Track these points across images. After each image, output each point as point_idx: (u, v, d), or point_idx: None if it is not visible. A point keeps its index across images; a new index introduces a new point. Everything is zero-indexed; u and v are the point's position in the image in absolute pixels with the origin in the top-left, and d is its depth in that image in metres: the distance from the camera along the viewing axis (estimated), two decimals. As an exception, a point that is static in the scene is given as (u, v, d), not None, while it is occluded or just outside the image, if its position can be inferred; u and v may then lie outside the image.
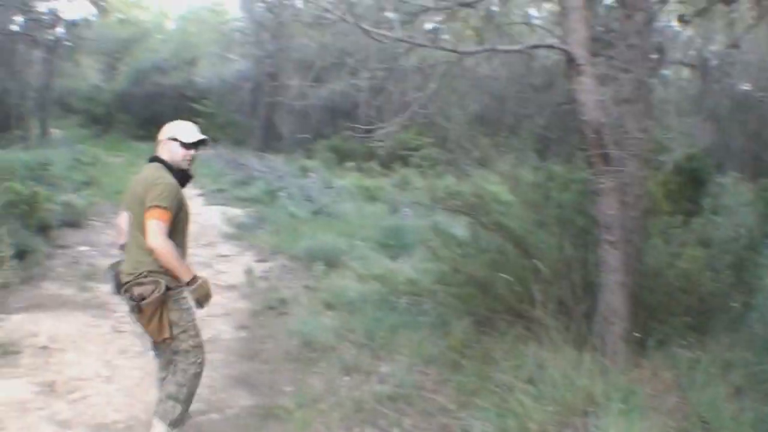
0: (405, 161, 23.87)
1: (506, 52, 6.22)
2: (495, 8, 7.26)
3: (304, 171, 20.73)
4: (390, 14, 7.75)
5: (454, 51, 6.29)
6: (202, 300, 4.60)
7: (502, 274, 6.60)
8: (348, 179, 20.12)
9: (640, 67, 5.99)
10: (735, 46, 6.46)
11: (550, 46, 5.90)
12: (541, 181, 7.39)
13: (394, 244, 11.60)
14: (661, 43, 7.05)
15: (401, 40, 6.04)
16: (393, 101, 31.31)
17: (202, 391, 5.16)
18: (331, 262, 10.14)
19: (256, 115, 33.33)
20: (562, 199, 7.03)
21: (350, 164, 24.55)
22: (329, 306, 8.23)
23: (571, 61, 5.60)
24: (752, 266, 6.67)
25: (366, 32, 5.92)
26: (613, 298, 5.84)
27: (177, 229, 4.61)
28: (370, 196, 17.50)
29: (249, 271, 9.83)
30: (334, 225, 13.27)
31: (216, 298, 5.49)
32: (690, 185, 7.87)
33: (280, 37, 30.36)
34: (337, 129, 29.76)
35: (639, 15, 5.88)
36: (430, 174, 22.07)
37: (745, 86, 18.20)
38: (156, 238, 4.35)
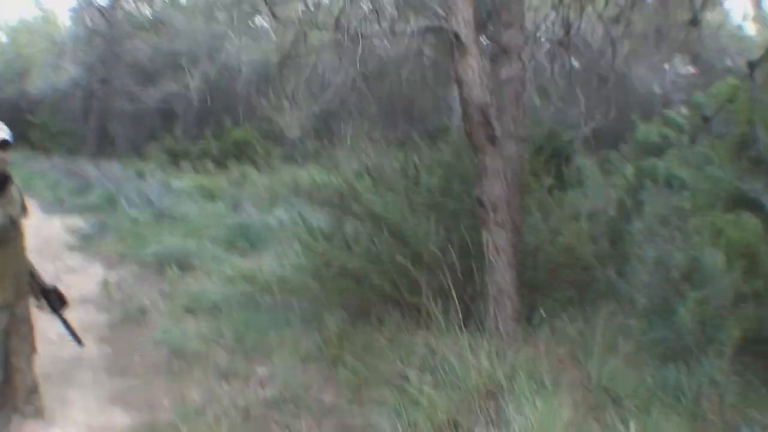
0: (239, 158, 23.61)
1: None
2: None
3: (141, 175, 20.08)
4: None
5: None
6: None
7: (377, 263, 6.50)
8: (185, 180, 19.65)
9: (518, 47, 6.01)
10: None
11: (439, 28, 5.75)
12: (406, 168, 7.32)
13: (242, 243, 11.45)
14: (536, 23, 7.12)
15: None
16: (227, 99, 31.13)
17: (78, 414, 4.95)
18: (183, 265, 9.76)
19: (88, 122, 32.20)
20: (430, 184, 6.99)
21: (186, 165, 24.02)
22: (190, 311, 7.87)
23: (456, 41, 5.50)
24: (623, 236, 6.92)
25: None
26: (502, 278, 5.82)
27: None
28: (210, 195, 17.17)
29: (104, 282, 9.21)
30: (179, 227, 12.83)
31: (71, 314, 5.36)
32: (552, 162, 7.98)
33: (112, 42, 29.31)
34: (170, 130, 29.14)
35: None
36: (267, 169, 21.94)
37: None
38: None
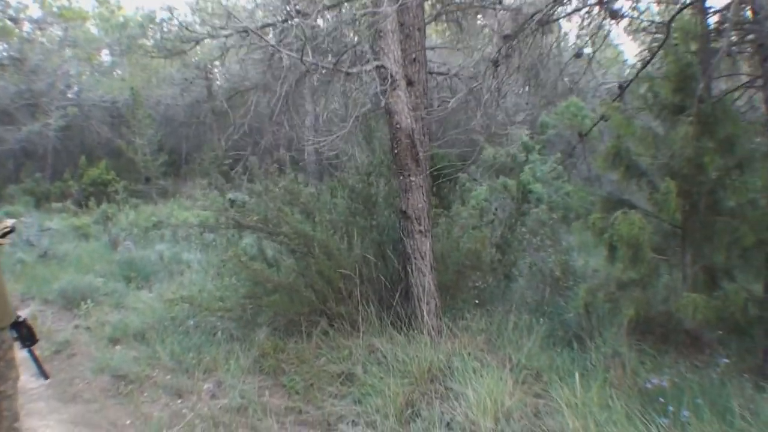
0: (98, 197, 23.26)
1: (348, 73, 6.55)
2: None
3: (12, 217, 19.34)
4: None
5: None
6: None
7: (306, 278, 7.11)
8: (56, 221, 19.19)
9: (420, 80, 6.78)
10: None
11: (379, 67, 6.34)
12: (319, 194, 8.04)
13: (135, 275, 11.54)
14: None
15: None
16: (83, 138, 30.29)
17: None
18: (89, 299, 9.75)
19: None
20: (345, 206, 7.74)
21: (50, 206, 23.42)
22: (114, 340, 8.04)
23: (389, 77, 6.22)
24: (511, 244, 7.89)
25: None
26: (426, 280, 6.58)
27: None
28: (83, 234, 16.95)
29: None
30: (66, 265, 12.78)
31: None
32: (441, 181, 8.88)
33: None
34: (30, 172, 28.10)
35: (417, 34, 6.67)
36: (127, 207, 21.80)
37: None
38: None
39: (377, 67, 6.21)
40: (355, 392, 5.73)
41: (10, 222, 4.47)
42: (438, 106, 8.55)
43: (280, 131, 17.37)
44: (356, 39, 7.10)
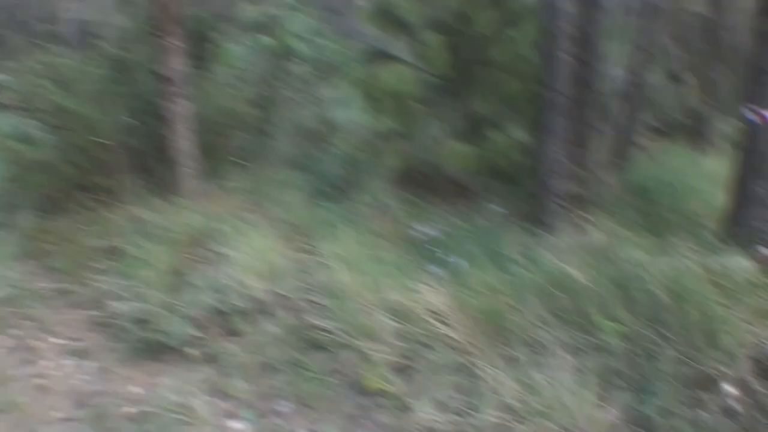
0: None
1: None
2: None
3: None
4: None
5: None
6: None
7: (65, 153, 6.76)
8: None
9: None
10: None
11: None
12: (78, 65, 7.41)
13: None
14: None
15: None
16: None
17: None
18: None
19: None
20: (107, 75, 7.25)
21: None
22: None
23: None
24: (275, 101, 7.71)
25: None
26: (186, 143, 6.41)
27: None
28: None
29: None
30: None
31: None
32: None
33: None
34: None
35: None
36: None
37: None
38: None
39: None
40: (120, 266, 5.47)
41: None
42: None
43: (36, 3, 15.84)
44: None
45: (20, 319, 5.20)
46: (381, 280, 4.48)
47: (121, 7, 7.83)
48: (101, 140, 6.57)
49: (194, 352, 4.46)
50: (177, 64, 6.30)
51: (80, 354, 4.76)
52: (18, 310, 5.30)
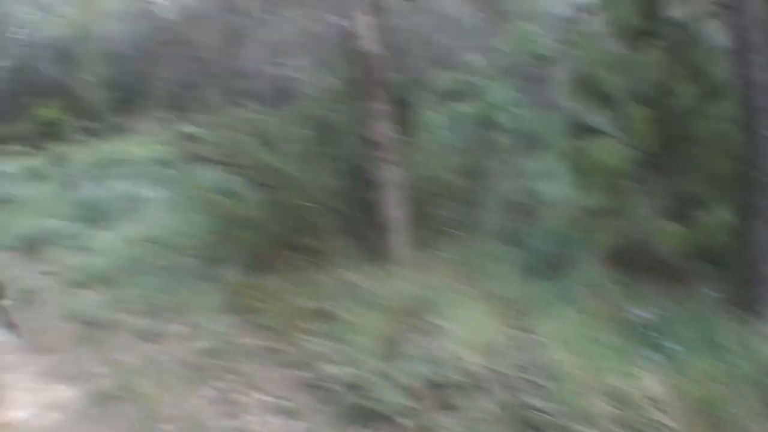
0: (51, 137, 22.73)
1: None
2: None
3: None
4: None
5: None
6: None
7: (275, 211, 7.05)
8: (8, 164, 18.59)
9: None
10: None
11: None
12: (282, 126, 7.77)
13: (95, 216, 11.31)
14: None
15: None
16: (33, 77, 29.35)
17: (23, 395, 5.13)
18: (51, 243, 9.61)
19: None
20: (307, 135, 7.53)
21: (8, 148, 22.77)
22: (80, 284, 7.86)
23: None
24: (481, 171, 7.82)
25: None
26: (399, 210, 6.55)
27: None
28: (38, 176, 16.56)
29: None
30: (24, 209, 12.35)
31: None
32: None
33: None
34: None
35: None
36: (80, 145, 21.30)
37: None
38: None
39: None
40: (333, 329, 5.60)
41: None
42: (398, 30, 8.37)
43: (233, 61, 16.98)
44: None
45: (224, 372, 5.44)
46: (597, 363, 4.42)
47: (322, 67, 8.07)
48: (308, 200, 6.80)
49: (407, 422, 4.46)
50: (384, 129, 6.51)
51: (287, 413, 4.88)
52: (222, 363, 5.55)
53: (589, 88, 6.49)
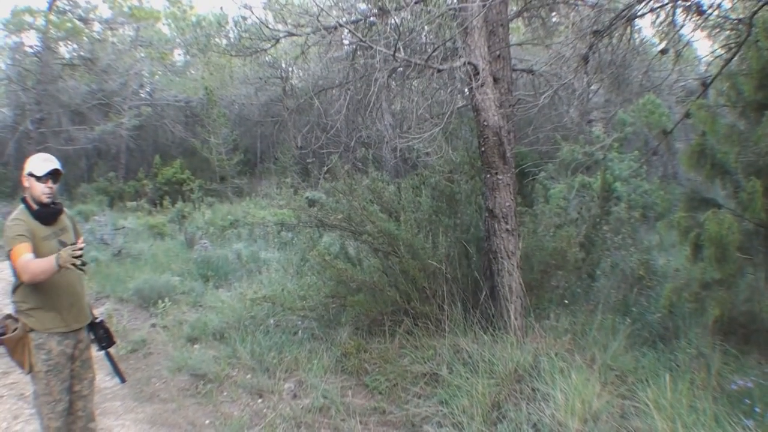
0: (173, 196, 23.71)
1: (439, 70, 6.49)
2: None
3: (86, 216, 19.79)
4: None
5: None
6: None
7: (390, 277, 7.16)
8: (130, 220, 19.53)
9: (505, 76, 6.75)
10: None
11: (467, 63, 6.30)
12: (401, 193, 7.99)
13: (211, 275, 11.66)
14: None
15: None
16: (156, 137, 30.98)
17: None
18: (166, 298, 9.87)
19: (21, 166, 30.65)
20: (432, 205, 7.74)
21: (123, 205, 23.85)
22: (192, 339, 8.11)
23: (475, 73, 6.22)
24: (594, 243, 7.79)
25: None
26: (512, 279, 6.51)
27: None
28: (158, 233, 17.26)
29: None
30: (142, 264, 12.98)
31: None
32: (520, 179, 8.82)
33: (46, 82, 28.09)
34: (103, 171, 28.69)
35: (501, 30, 6.64)
36: (201, 205, 22.12)
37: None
38: (20, 276, 4.11)
39: (465, 63, 6.20)
40: (439, 393, 5.70)
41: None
42: (520, 103, 8.47)
43: (358, 130, 17.40)
44: (441, 36, 7.06)
45: (329, 430, 5.53)
46: (692, 429, 4.41)
47: (445, 140, 8.11)
48: (425, 268, 6.88)
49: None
50: (506, 201, 6.55)
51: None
52: (329, 421, 5.64)
53: (707, 160, 6.41)
